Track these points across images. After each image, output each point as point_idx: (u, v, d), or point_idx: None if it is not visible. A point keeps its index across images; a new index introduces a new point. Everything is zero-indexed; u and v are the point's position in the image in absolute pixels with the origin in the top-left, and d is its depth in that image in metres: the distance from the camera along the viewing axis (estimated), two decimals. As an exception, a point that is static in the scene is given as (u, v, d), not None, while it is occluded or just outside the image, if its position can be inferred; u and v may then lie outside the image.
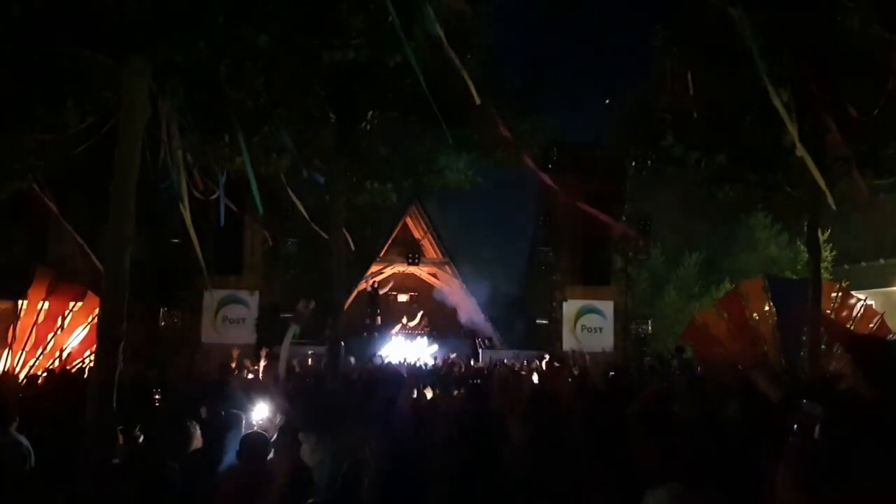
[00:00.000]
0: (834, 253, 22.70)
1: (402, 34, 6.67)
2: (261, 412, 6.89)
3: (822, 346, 12.00)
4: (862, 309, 15.50)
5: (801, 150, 8.67)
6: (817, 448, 3.42)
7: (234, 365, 11.95)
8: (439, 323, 26.54)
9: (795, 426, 3.52)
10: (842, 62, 9.96)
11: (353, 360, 14.45)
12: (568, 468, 4.82)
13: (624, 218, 23.33)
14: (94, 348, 7.09)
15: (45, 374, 11.19)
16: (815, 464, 3.39)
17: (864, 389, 3.55)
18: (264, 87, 9.70)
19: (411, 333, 24.38)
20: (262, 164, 12.28)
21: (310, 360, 15.61)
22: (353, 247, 14.82)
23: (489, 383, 9.99)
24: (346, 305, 17.72)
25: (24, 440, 5.95)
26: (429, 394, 9.02)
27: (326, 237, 13.01)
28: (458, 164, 13.43)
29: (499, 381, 9.15)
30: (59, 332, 13.46)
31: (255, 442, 5.12)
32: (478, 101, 7.62)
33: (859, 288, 17.74)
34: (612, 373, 11.22)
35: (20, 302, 13.31)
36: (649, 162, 13.41)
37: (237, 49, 7.48)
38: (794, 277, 21.30)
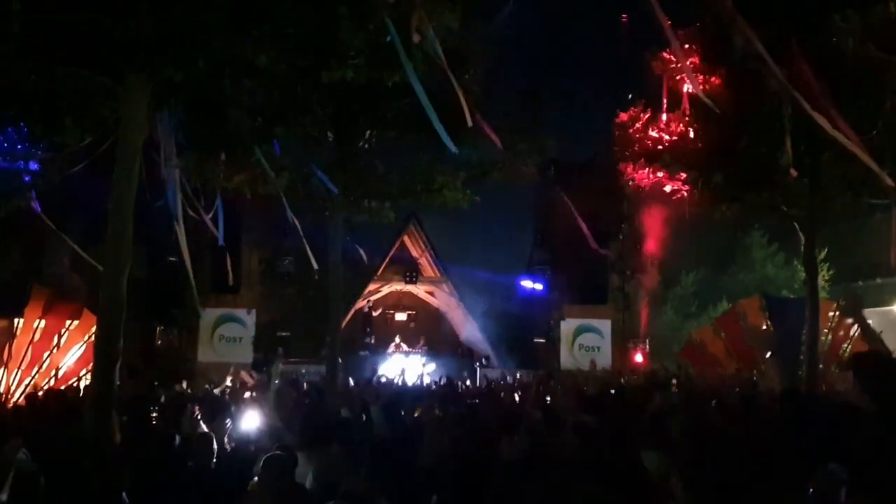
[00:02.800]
0: (831, 272, 22.69)
1: (403, 54, 6.71)
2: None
3: (820, 366, 11.98)
4: (859, 328, 15.47)
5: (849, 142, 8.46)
6: None
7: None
8: (437, 342, 26.46)
9: (813, 490, 3.47)
10: (838, 82, 10.03)
11: (351, 381, 14.39)
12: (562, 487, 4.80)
13: (621, 237, 23.39)
14: (90, 367, 7.05)
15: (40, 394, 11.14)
16: None
17: (864, 404, 3.56)
18: (263, 106, 9.74)
19: (408, 352, 24.29)
20: (261, 183, 12.31)
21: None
22: (365, 259, 14.79)
23: (487, 402, 9.97)
24: (344, 324, 17.67)
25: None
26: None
27: (316, 266, 12.95)
28: (455, 182, 13.45)
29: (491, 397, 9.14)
30: (55, 350, 13.38)
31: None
32: (470, 123, 7.64)
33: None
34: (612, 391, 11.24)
35: (16, 320, 13.24)
36: (646, 181, 13.45)
37: (236, 68, 7.52)
38: (792, 297, 21.28)
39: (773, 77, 7.82)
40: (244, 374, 14.96)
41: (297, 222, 13.19)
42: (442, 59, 6.90)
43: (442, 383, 13.40)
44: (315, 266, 12.76)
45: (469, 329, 26.23)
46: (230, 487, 5.29)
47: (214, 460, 5.73)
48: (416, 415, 8.73)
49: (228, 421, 7.38)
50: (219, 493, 5.26)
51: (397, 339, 25.23)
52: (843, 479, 3.51)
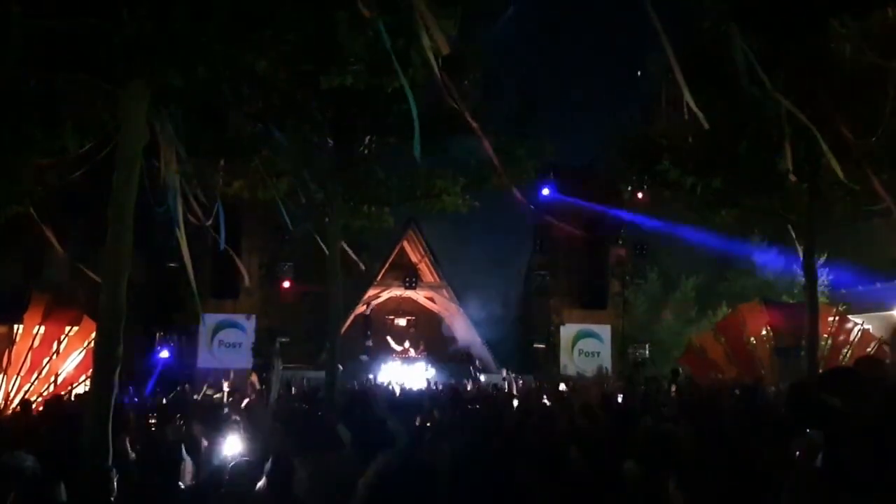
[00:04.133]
0: (831, 277, 22.69)
1: (397, 65, 6.69)
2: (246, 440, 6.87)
3: (820, 371, 11.96)
4: (859, 333, 15.48)
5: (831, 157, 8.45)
6: (820, 473, 3.43)
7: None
8: (436, 347, 26.45)
9: (798, 453, 3.54)
10: (836, 88, 10.04)
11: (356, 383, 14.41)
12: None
13: (620, 242, 23.41)
14: (89, 373, 7.04)
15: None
16: (818, 488, 3.40)
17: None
18: (262, 111, 9.75)
19: (408, 358, 24.28)
20: (260, 188, 12.32)
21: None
22: (362, 266, 14.77)
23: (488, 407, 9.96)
24: (343, 329, 17.67)
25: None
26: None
27: (327, 252, 12.96)
28: (455, 187, 13.45)
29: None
30: (54, 356, 13.37)
31: (242, 470, 5.07)
32: (474, 125, 7.63)
33: (856, 312, 17.73)
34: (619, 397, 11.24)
35: (16, 326, 13.25)
36: (645, 186, 13.45)
37: (236, 74, 7.53)
38: (791, 301, 21.29)
39: (772, 97, 7.81)
40: (254, 378, 14.99)
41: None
42: (437, 71, 6.87)
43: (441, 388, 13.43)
44: (325, 250, 12.73)
45: (468, 334, 26.22)
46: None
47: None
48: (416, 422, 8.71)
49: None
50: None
51: (406, 344, 25.16)
52: (820, 444, 3.59)
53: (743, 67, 7.52)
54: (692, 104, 7.27)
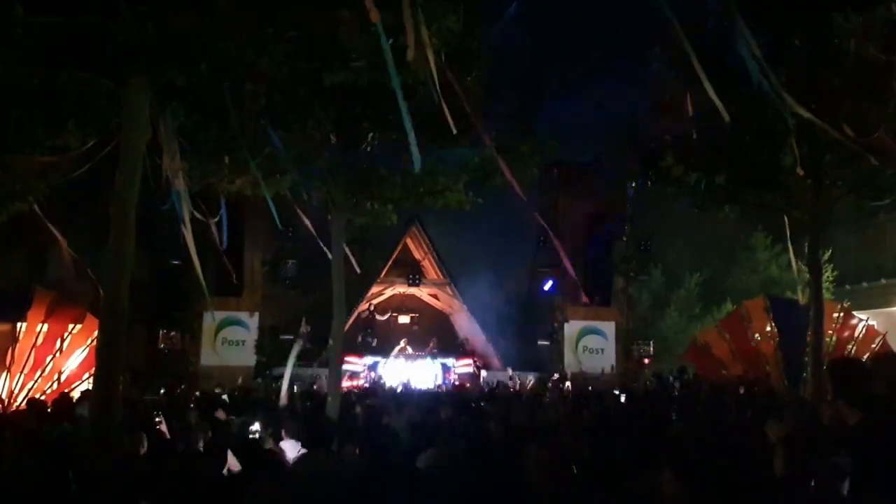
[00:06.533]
0: (835, 273, 22.65)
1: (391, 65, 6.64)
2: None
3: (825, 367, 11.94)
4: (864, 329, 15.45)
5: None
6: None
7: None
8: (440, 344, 26.43)
9: (815, 483, 3.45)
10: (840, 83, 10.00)
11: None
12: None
13: (624, 238, 23.38)
14: (93, 371, 7.05)
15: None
16: None
17: (846, 414, 3.52)
18: (265, 108, 9.73)
19: (413, 356, 24.23)
20: (263, 185, 12.29)
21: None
22: (357, 269, 14.77)
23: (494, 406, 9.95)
24: (347, 327, 17.63)
25: None
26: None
27: (329, 256, 12.97)
28: (458, 184, 13.39)
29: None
30: (57, 354, 13.39)
31: None
32: (454, 131, 7.56)
33: (861, 308, 17.69)
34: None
35: (19, 324, 13.26)
36: (649, 182, 13.42)
37: (238, 71, 7.52)
38: (796, 298, 21.24)
39: (775, 92, 7.76)
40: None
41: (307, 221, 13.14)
42: (433, 73, 6.81)
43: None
44: (329, 254, 12.72)
45: (472, 331, 26.19)
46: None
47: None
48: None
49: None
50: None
51: (402, 343, 25.12)
52: (845, 471, 3.48)
53: (749, 62, 7.48)
54: (714, 97, 7.23)
